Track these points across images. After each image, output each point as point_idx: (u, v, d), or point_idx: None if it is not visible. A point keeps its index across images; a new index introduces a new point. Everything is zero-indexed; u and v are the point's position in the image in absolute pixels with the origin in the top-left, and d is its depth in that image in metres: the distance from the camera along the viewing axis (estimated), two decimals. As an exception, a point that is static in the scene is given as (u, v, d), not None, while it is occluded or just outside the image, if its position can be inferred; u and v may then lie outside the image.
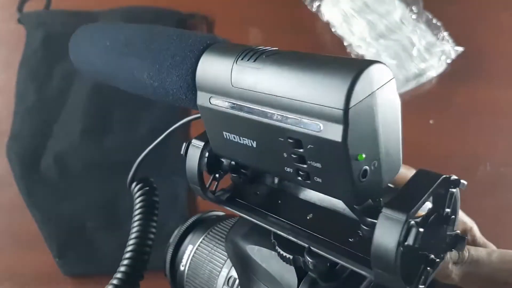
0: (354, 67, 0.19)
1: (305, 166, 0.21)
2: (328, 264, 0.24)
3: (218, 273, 0.33)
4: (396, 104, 0.21)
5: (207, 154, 0.27)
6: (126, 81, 0.27)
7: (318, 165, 0.20)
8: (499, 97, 0.67)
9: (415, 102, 0.66)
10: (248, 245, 0.28)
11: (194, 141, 0.27)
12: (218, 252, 0.34)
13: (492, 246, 0.32)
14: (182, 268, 0.36)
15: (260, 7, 0.71)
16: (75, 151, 0.59)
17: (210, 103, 0.23)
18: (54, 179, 0.58)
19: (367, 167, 0.20)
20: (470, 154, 0.63)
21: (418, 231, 0.19)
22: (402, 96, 0.66)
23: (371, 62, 0.19)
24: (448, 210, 0.22)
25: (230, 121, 0.23)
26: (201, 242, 0.36)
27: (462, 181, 0.22)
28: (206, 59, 0.23)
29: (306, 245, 0.24)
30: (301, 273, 0.26)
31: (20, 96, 0.62)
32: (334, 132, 0.19)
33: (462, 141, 0.64)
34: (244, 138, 0.23)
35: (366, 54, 0.66)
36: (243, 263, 0.29)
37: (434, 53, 0.66)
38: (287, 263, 0.25)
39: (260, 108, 0.21)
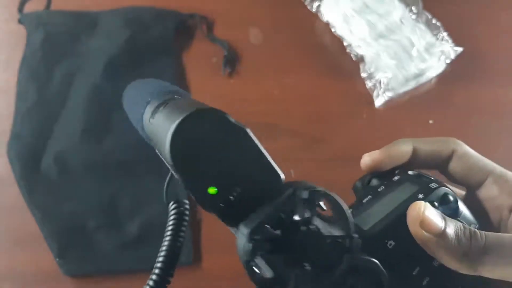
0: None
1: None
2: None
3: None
4: (239, 134, 0.23)
5: None
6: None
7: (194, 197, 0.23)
8: (499, 97, 0.67)
9: (415, 102, 0.66)
10: None
11: None
12: None
13: None
14: None
15: (260, 7, 0.71)
16: (75, 151, 0.59)
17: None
18: (55, 179, 0.58)
19: (228, 196, 0.23)
20: (469, 154, 0.63)
21: (264, 231, 0.20)
22: (402, 96, 0.67)
23: None
24: (296, 217, 0.22)
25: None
26: None
27: (319, 189, 0.22)
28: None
29: None
30: None
31: (20, 96, 0.62)
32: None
33: (461, 140, 0.64)
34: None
35: (366, 54, 0.66)
36: None
37: (433, 53, 0.66)
38: None
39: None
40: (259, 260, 0.21)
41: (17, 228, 0.56)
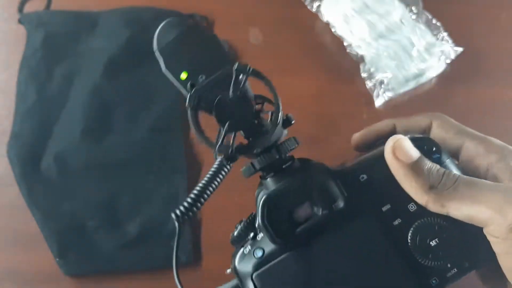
0: None
1: None
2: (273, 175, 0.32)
3: None
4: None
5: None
6: None
7: None
8: (499, 97, 0.67)
9: (415, 102, 0.66)
10: None
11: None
12: None
13: None
14: None
15: (260, 7, 0.71)
16: (75, 151, 0.59)
17: None
18: (55, 179, 0.58)
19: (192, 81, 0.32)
20: (469, 154, 0.64)
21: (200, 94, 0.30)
22: (402, 96, 0.67)
23: None
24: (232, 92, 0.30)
25: None
26: None
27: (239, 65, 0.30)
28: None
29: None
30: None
31: (20, 96, 0.62)
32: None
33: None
34: None
35: (366, 54, 0.66)
36: None
37: (433, 53, 0.66)
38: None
39: None
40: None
41: (17, 228, 0.56)
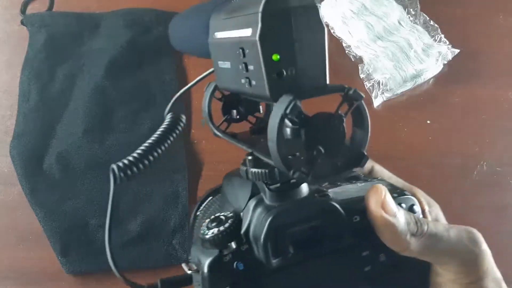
0: None
1: (248, 72, 0.26)
2: (276, 188, 0.29)
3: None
4: (319, 29, 0.25)
5: (223, 99, 0.34)
6: (187, 39, 0.40)
7: (252, 67, 0.25)
8: (495, 98, 0.68)
9: (413, 103, 0.67)
10: (232, 177, 0.33)
11: (211, 83, 0.33)
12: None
13: None
14: (198, 213, 0.39)
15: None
16: (77, 151, 0.60)
17: (212, 38, 0.30)
18: (57, 178, 0.58)
19: (283, 69, 0.25)
20: (466, 154, 0.64)
21: (297, 105, 0.24)
22: (400, 96, 0.67)
23: None
24: (341, 113, 0.26)
25: (220, 49, 0.29)
26: (218, 194, 0.39)
27: (358, 92, 0.26)
28: (216, 11, 0.31)
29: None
30: (255, 191, 0.30)
31: (23, 96, 0.63)
32: (254, 33, 0.24)
33: (458, 141, 0.65)
34: (225, 62, 0.29)
35: (364, 56, 0.67)
36: (225, 191, 0.34)
37: (431, 55, 0.67)
38: (244, 176, 0.30)
39: (229, 32, 0.28)
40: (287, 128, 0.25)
41: (20, 227, 0.57)
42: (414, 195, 0.32)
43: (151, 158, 0.30)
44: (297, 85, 0.25)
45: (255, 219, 0.29)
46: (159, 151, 0.30)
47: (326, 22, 0.70)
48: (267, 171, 0.28)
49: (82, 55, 0.66)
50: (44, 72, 0.64)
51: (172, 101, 0.34)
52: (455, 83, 0.67)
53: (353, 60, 0.68)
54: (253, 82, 0.26)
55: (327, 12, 0.70)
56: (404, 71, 0.66)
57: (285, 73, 0.24)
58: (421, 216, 0.32)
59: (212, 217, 0.30)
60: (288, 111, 0.24)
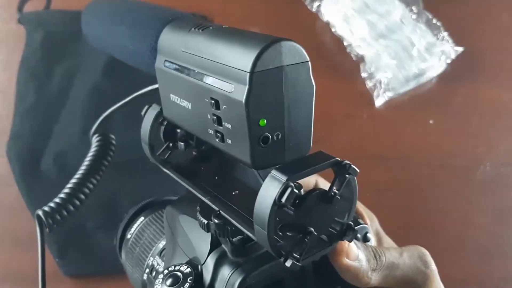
0: (267, 40, 0.21)
1: (221, 127, 0.23)
2: (240, 240, 0.27)
3: (155, 244, 0.35)
4: (309, 88, 0.23)
5: (165, 123, 0.31)
6: (119, 47, 0.33)
7: (229, 126, 0.23)
8: (499, 97, 0.67)
9: (415, 102, 0.66)
10: (180, 215, 0.31)
11: (153, 105, 0.31)
12: (162, 226, 0.36)
13: (389, 240, 0.37)
14: (129, 236, 0.38)
15: (260, 6, 0.71)
16: (75, 151, 0.59)
17: (164, 66, 0.26)
18: (54, 179, 0.58)
19: (268, 134, 0.22)
20: (470, 154, 0.64)
21: (294, 192, 0.21)
22: (402, 96, 0.67)
23: (283, 40, 0.22)
24: (335, 191, 0.23)
25: (175, 83, 0.26)
26: (152, 215, 0.37)
27: (353, 167, 0.23)
28: (168, 29, 0.27)
29: (218, 211, 0.26)
30: (215, 243, 0.28)
31: (20, 96, 0.62)
32: (240, 93, 0.21)
33: (462, 141, 0.64)
34: (183, 100, 0.26)
35: (366, 54, 0.66)
36: (173, 231, 0.31)
37: (434, 53, 0.66)
38: (203, 229, 0.27)
39: (195, 70, 0.24)
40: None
41: (17, 228, 0.56)
42: (356, 210, 0.31)
43: (85, 193, 0.28)
44: (283, 151, 0.23)
45: (219, 277, 0.27)
46: (93, 183, 0.28)
47: (327, 20, 0.69)
48: (233, 228, 0.25)
49: (79, 53, 0.65)
50: (41, 71, 0.64)
51: (99, 120, 0.32)
52: (458, 82, 0.67)
53: (354, 59, 0.67)
54: (228, 141, 0.23)
55: (328, 10, 0.69)
56: (407, 70, 0.65)
57: (271, 138, 0.22)
58: (373, 242, 0.32)
59: (166, 271, 0.28)
60: (284, 199, 0.21)
